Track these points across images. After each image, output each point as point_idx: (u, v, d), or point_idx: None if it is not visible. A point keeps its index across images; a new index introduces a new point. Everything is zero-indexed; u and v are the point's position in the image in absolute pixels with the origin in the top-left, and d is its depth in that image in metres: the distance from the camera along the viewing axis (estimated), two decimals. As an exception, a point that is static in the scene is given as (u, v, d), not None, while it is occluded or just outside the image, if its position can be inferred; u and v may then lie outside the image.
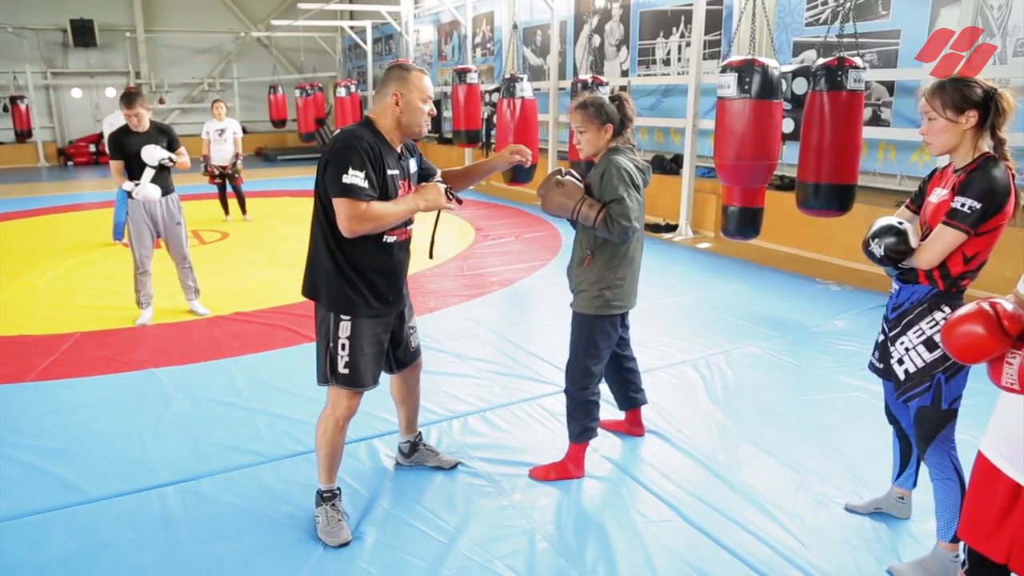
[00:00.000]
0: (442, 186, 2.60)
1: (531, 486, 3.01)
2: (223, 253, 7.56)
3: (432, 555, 2.56)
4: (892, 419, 2.66)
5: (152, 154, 4.84)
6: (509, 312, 5.60)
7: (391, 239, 2.56)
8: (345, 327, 2.54)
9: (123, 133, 4.95)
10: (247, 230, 8.75)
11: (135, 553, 2.58)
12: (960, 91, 2.19)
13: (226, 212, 9.26)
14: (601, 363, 3.03)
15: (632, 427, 3.43)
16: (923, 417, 2.35)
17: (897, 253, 2.29)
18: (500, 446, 3.35)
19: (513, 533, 2.69)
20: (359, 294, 2.53)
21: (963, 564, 1.77)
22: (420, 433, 3.19)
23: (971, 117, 2.18)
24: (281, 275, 6.50)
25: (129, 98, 4.88)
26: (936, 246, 2.22)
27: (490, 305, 5.63)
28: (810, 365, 4.30)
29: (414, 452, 3.16)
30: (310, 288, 2.60)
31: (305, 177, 14.20)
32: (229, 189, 9.20)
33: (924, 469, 2.49)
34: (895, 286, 2.44)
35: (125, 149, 4.91)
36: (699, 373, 4.16)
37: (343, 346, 2.55)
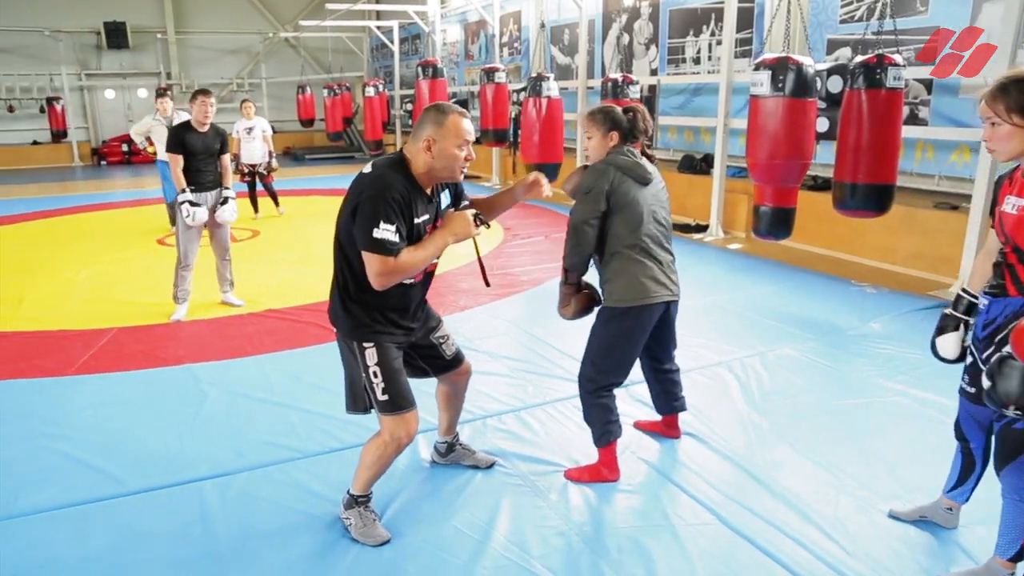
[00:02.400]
0: (469, 213, 2.51)
1: (566, 486, 2.99)
2: (254, 251, 7.63)
3: (468, 553, 2.55)
4: (961, 437, 2.53)
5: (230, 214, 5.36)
6: (540, 311, 5.57)
7: (409, 280, 2.51)
8: (371, 354, 2.49)
9: (185, 129, 5.11)
10: (277, 228, 8.82)
11: (175, 546, 2.60)
12: None
13: (255, 210, 9.34)
14: (612, 371, 2.97)
15: (668, 429, 3.40)
16: (1012, 436, 2.19)
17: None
18: (535, 445, 3.33)
19: (549, 533, 2.67)
20: (378, 323, 2.50)
21: None
22: (457, 433, 3.18)
23: None
24: (311, 273, 6.53)
25: (205, 92, 5.17)
26: None
27: (520, 304, 5.61)
28: (847, 368, 4.23)
29: (451, 452, 3.15)
30: (334, 317, 2.58)
31: (333, 176, 14.29)
32: (259, 187, 9.29)
33: (983, 485, 2.42)
34: (983, 301, 2.28)
35: (186, 145, 5.06)
36: (734, 375, 4.11)
37: (375, 373, 2.49)
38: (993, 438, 2.32)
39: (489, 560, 2.51)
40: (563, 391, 3.86)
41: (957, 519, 2.67)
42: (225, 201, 5.32)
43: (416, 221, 2.42)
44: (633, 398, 3.74)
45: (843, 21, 7.26)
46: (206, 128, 5.15)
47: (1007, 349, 1.95)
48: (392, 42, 17.16)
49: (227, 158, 5.39)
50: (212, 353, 4.50)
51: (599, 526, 2.73)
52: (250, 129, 9.08)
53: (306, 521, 2.75)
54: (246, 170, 9.14)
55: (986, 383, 2.09)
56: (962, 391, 2.44)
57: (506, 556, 2.53)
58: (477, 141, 13.29)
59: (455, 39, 15.86)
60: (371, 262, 2.33)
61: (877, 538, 2.63)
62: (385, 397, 2.50)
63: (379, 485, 2.86)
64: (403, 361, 2.62)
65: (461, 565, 2.49)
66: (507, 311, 5.38)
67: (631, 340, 2.95)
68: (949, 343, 2.35)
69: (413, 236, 2.42)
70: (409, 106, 14.12)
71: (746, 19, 8.24)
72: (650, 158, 3.03)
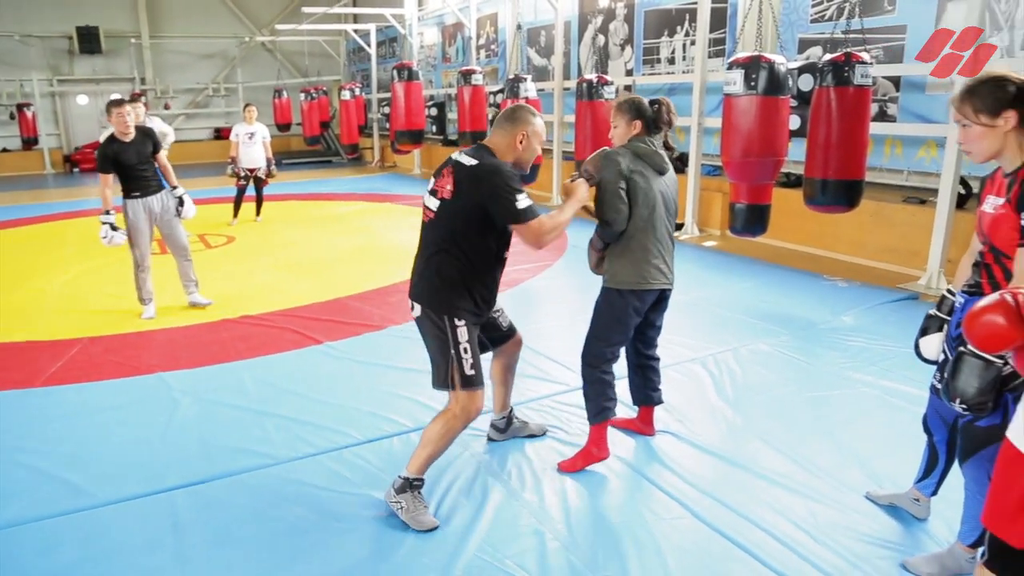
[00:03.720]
0: (583, 181, 2.85)
1: (541, 485, 3.00)
2: (229, 257, 7.57)
3: (444, 554, 2.55)
4: (927, 430, 2.59)
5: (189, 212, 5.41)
6: (516, 313, 5.49)
7: (506, 255, 2.79)
8: (463, 332, 2.69)
9: (111, 144, 5.08)
10: (253, 234, 8.76)
11: (145, 557, 2.57)
12: (992, 92, 2.03)
13: (235, 215, 9.25)
14: (612, 346, 3.09)
15: (644, 426, 3.42)
16: (974, 432, 2.20)
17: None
18: (510, 445, 3.34)
19: (524, 532, 2.68)
20: (473, 302, 2.72)
21: (983, 555, 1.77)
22: (512, 409, 3.35)
23: (1009, 118, 2.02)
24: (287, 278, 6.51)
25: (118, 103, 5.07)
26: None
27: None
28: (819, 361, 4.28)
29: (510, 426, 3.36)
30: (427, 296, 2.72)
31: (311, 181, 14.22)
32: (249, 192, 9.23)
33: (953, 477, 2.45)
34: (960, 299, 2.30)
35: (119, 161, 5.05)
36: (708, 371, 4.14)
37: (465, 349, 2.69)
38: (957, 433, 2.35)
39: (463, 561, 2.51)
40: (538, 391, 3.87)
41: (927, 510, 2.71)
42: (182, 201, 5.33)
43: None
44: (608, 396, 3.76)
45: (814, 20, 7.33)
46: (131, 136, 5.10)
47: (968, 346, 1.97)
48: (369, 45, 17.13)
49: (163, 156, 5.38)
50: (185, 361, 4.46)
51: (573, 524, 2.74)
52: (252, 134, 9.03)
53: (281, 528, 2.73)
54: (242, 174, 9.10)
55: (943, 379, 2.13)
56: (932, 387, 2.48)
57: (480, 556, 2.53)
58: (454, 143, 13.36)
59: (432, 41, 15.85)
60: (527, 229, 2.59)
61: (847, 527, 2.67)
62: (472, 372, 2.70)
63: (348, 488, 2.87)
64: None
65: (435, 566, 2.49)
66: (483, 312, 5.36)
67: (630, 318, 3.07)
68: (932, 344, 2.38)
69: None
70: (386, 109, 14.07)
71: (719, 19, 8.30)
72: (670, 149, 3.12)
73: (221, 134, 18.90)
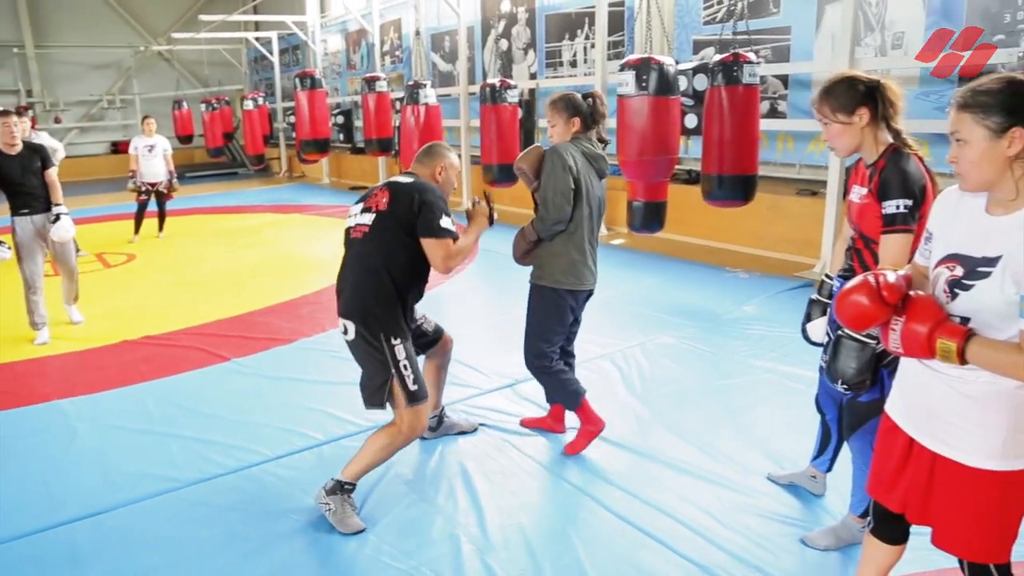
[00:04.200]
0: (486, 209, 3.02)
1: (453, 489, 3.01)
2: (130, 276, 7.27)
3: (358, 566, 2.53)
4: (819, 410, 2.73)
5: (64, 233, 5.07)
6: (429, 318, 5.57)
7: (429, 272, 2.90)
8: (400, 350, 2.75)
9: None
10: (155, 251, 8.43)
11: (40, 594, 2.46)
12: (846, 92, 2.18)
13: (136, 232, 8.87)
14: (553, 345, 3.17)
15: (555, 423, 3.47)
16: (857, 408, 2.34)
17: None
18: (421, 453, 3.34)
19: (438, 538, 2.69)
20: (404, 319, 2.80)
21: (869, 524, 1.89)
22: (443, 407, 3.47)
23: (863, 115, 2.17)
24: (192, 295, 6.31)
25: (4, 113, 4.92)
26: (891, 257, 2.11)
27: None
28: (722, 351, 4.45)
29: (440, 424, 3.46)
30: (361, 316, 2.75)
31: (216, 194, 13.78)
32: (151, 208, 8.87)
33: (845, 453, 2.58)
34: (837, 284, 2.43)
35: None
36: (616, 366, 4.24)
37: (405, 366, 2.75)
38: (843, 410, 2.49)
39: (377, 569, 2.50)
40: (449, 395, 3.85)
41: (823, 486, 2.86)
42: (57, 218, 5.03)
43: None
44: (520, 396, 3.82)
45: (707, 22, 7.61)
46: (17, 148, 4.91)
47: (845, 330, 2.11)
48: (271, 53, 16.74)
49: (53, 172, 5.15)
50: (83, 386, 4.26)
51: (486, 526, 2.76)
52: (151, 147, 8.67)
53: (187, 553, 2.65)
54: (143, 188, 8.72)
55: (825, 360, 2.28)
56: (820, 368, 2.61)
57: (394, 565, 2.53)
58: (361, 151, 13.05)
59: (336, 48, 15.63)
60: (439, 247, 2.72)
61: (751, 508, 2.79)
62: (415, 388, 2.77)
63: (267, 505, 2.83)
64: None
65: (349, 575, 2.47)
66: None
67: (568, 316, 3.17)
68: (818, 328, 2.52)
69: None
70: (292, 118, 13.76)
71: (617, 22, 8.51)
72: (604, 142, 3.19)
73: (119, 148, 18.11)
